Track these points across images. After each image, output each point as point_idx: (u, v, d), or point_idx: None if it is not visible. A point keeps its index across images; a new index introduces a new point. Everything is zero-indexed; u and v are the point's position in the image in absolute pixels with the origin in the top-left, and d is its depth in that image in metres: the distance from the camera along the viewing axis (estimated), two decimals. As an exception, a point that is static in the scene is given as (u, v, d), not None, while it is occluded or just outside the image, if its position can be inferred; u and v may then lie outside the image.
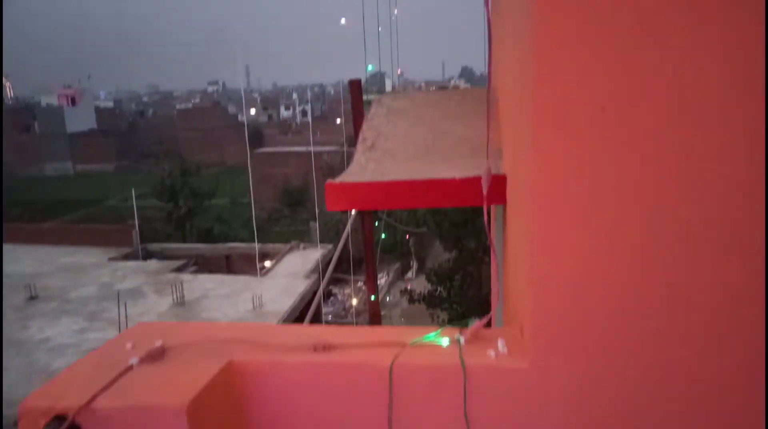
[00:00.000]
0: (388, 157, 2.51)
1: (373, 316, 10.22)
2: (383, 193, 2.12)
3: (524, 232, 1.24)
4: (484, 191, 1.47)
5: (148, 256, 25.44)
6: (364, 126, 2.79)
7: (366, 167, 2.44)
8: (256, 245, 21.43)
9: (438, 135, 2.62)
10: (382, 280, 30.60)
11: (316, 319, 19.74)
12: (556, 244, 1.16)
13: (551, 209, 1.14)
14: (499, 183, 2.02)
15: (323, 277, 9.89)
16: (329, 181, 2.18)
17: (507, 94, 2.44)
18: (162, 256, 25.42)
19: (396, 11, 8.85)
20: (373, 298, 8.36)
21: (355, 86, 9.73)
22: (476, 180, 2.06)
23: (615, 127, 1.05)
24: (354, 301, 25.16)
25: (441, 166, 2.30)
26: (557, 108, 1.05)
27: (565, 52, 1.02)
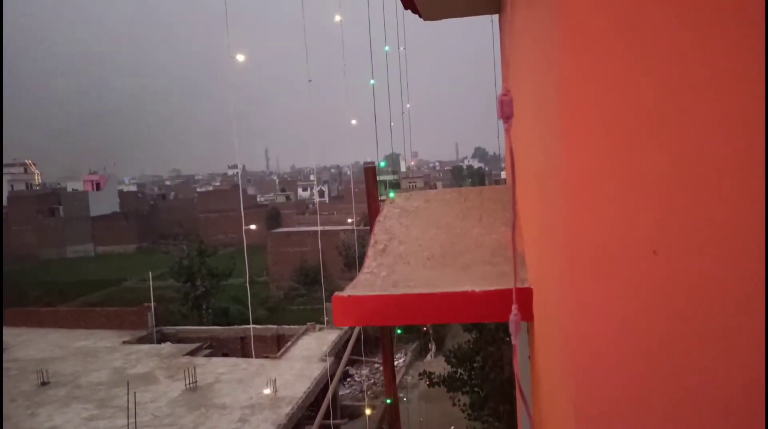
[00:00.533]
0: (401, 262, 2.38)
1: (391, 423, 9.76)
2: (395, 308, 1.97)
3: (559, 356, 1.07)
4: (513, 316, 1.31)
5: (162, 339, 25.16)
6: (376, 228, 2.69)
7: (377, 274, 2.31)
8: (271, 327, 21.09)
9: (454, 238, 2.50)
10: (400, 361, 29.75)
11: (333, 403, 19.04)
12: (604, 374, 0.99)
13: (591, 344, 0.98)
14: (524, 297, 1.87)
15: (340, 363, 9.55)
16: (336, 294, 2.05)
17: (528, 192, 2.32)
18: (176, 338, 25.11)
19: (408, 105, 9.09)
20: (389, 401, 7.92)
21: (369, 172, 9.81)
22: (498, 293, 1.91)
23: (665, 269, 0.91)
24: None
25: (458, 275, 2.16)
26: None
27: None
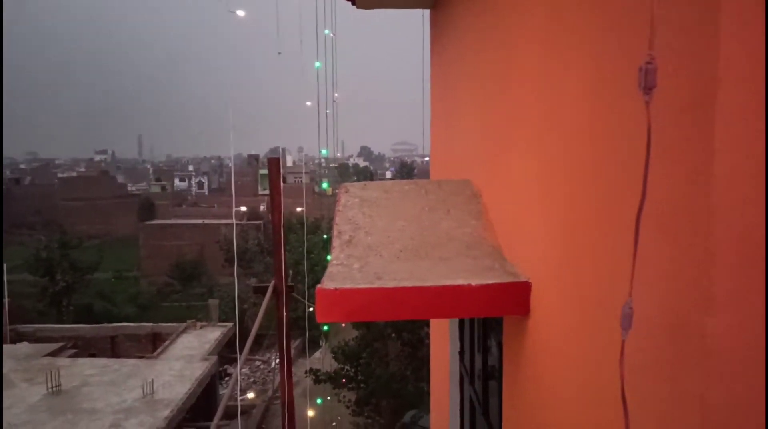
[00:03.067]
0: (373, 254, 2.25)
1: (289, 404, 9.49)
2: (387, 302, 1.84)
3: (657, 352, 1.00)
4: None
5: (17, 338, 22.66)
6: (337, 218, 2.52)
7: (350, 266, 2.16)
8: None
9: (423, 230, 2.40)
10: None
11: (213, 403, 18.22)
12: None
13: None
14: (519, 292, 1.82)
15: (239, 359, 9.10)
16: (320, 286, 1.88)
17: (527, 188, 2.29)
18: (34, 338, 22.75)
19: (309, 103, 8.85)
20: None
21: (273, 164, 9.45)
22: (495, 287, 1.85)
23: None
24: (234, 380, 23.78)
25: (440, 268, 2.07)
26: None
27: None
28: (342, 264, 2.20)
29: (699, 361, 0.86)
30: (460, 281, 1.86)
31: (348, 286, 1.87)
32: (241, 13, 6.62)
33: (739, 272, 0.83)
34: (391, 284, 1.88)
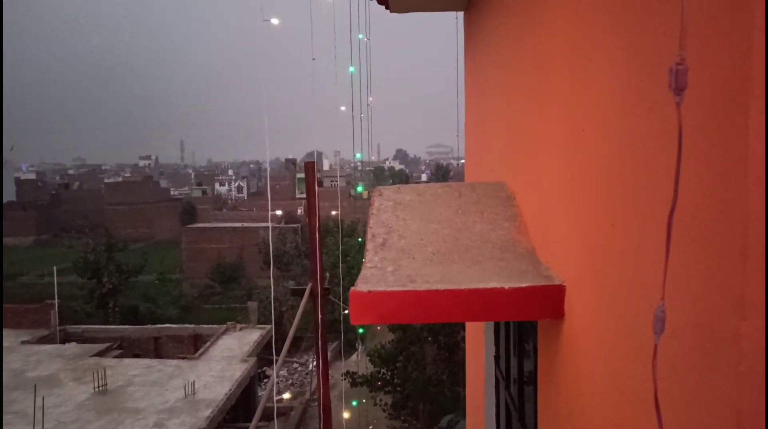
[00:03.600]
0: (406, 257, 2.26)
1: (325, 407, 9.57)
2: (420, 305, 1.85)
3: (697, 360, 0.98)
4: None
5: (66, 338, 23.48)
6: (371, 221, 2.55)
7: (384, 269, 2.18)
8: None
9: (456, 233, 2.41)
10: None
11: (252, 404, 18.50)
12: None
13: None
14: (553, 295, 1.81)
15: (276, 362, 9.23)
16: (354, 289, 1.90)
17: (553, 188, 2.27)
18: (82, 338, 23.53)
19: (343, 108, 8.92)
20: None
21: (309, 168, 9.56)
22: (528, 290, 1.84)
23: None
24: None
25: (472, 271, 2.07)
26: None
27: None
28: (375, 267, 2.21)
29: (732, 366, 0.84)
30: (493, 284, 1.85)
31: (381, 288, 1.88)
32: (275, 21, 6.74)
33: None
34: (423, 287, 1.88)
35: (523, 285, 1.83)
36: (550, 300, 1.80)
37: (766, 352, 0.80)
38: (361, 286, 1.95)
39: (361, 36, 7.42)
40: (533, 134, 2.31)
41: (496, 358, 3.85)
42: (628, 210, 1.24)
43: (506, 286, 1.83)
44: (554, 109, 1.96)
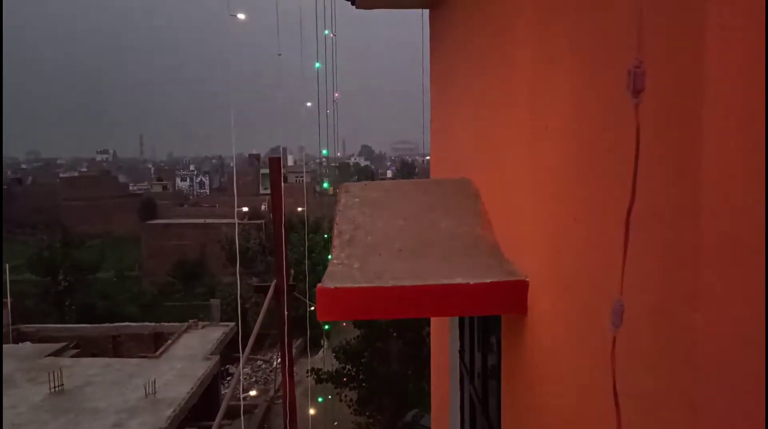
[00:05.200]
0: (373, 253, 2.27)
1: (290, 404, 9.54)
2: (386, 301, 1.87)
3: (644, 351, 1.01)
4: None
5: (19, 338, 22.73)
6: (338, 218, 2.55)
7: (351, 265, 2.19)
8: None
9: (423, 229, 2.43)
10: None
11: (215, 403, 18.25)
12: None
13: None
14: (517, 290, 1.85)
15: (242, 358, 9.14)
16: (320, 285, 1.90)
17: (520, 186, 2.31)
18: (37, 338, 22.81)
19: (309, 104, 8.87)
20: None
21: (274, 163, 9.49)
22: (492, 286, 1.87)
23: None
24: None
25: (439, 267, 2.09)
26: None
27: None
28: (342, 263, 2.22)
29: (686, 357, 0.88)
30: (458, 280, 1.88)
31: (348, 285, 1.89)
32: (242, 16, 6.65)
33: (725, 269, 0.85)
34: (390, 283, 1.90)
35: (487, 280, 1.86)
36: (514, 295, 1.84)
37: (720, 344, 0.84)
38: (328, 282, 1.96)
39: (327, 32, 7.39)
40: (498, 132, 2.35)
41: (461, 352, 3.90)
42: (590, 206, 1.28)
43: (471, 282, 1.86)
44: (518, 108, 2.00)
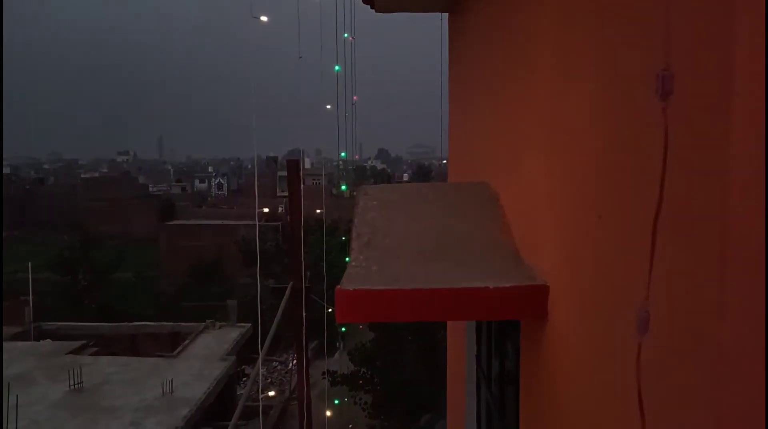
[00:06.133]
0: (391, 257, 2.27)
1: (306, 405, 9.56)
2: (406, 304, 1.86)
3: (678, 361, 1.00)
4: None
5: (41, 336, 23.09)
6: (356, 220, 2.55)
7: (368, 268, 2.19)
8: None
9: (441, 233, 2.42)
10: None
11: (231, 403, 18.36)
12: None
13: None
14: (537, 295, 1.83)
15: (259, 359, 9.18)
16: (339, 287, 1.91)
17: (538, 186, 2.30)
18: (57, 336, 23.15)
19: (329, 106, 8.91)
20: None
21: (292, 166, 9.55)
22: (513, 290, 1.86)
23: None
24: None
25: (457, 271, 2.08)
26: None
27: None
28: (361, 266, 2.22)
29: (711, 365, 0.87)
30: (477, 284, 1.87)
31: (367, 287, 1.89)
32: (264, 18, 6.71)
33: (752, 277, 0.83)
34: (409, 286, 1.90)
35: (507, 285, 1.85)
36: (533, 300, 1.83)
37: (746, 353, 0.83)
38: (347, 284, 1.96)
39: (346, 35, 7.42)
40: (518, 135, 2.34)
41: (478, 357, 3.88)
42: (614, 211, 1.27)
43: (490, 286, 1.85)
44: (539, 111, 1.98)
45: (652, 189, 0.95)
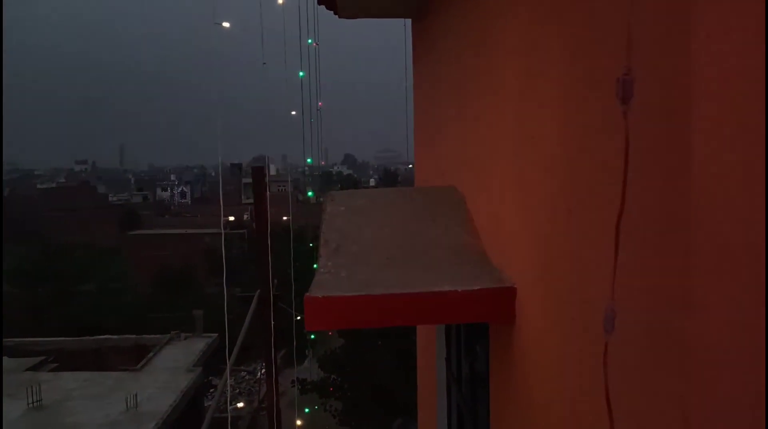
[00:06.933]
0: (360, 263, 2.26)
1: (276, 414, 9.43)
2: (375, 309, 1.86)
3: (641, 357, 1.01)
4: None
5: (-2, 353, 22.24)
6: (324, 226, 2.54)
7: (338, 274, 2.17)
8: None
9: (409, 238, 2.42)
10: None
11: (198, 415, 18.00)
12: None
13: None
14: (505, 297, 1.85)
15: (227, 370, 9.03)
16: (308, 294, 1.89)
17: (507, 193, 2.32)
18: (15, 352, 22.33)
19: (294, 113, 8.88)
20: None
21: (258, 173, 9.45)
22: (480, 293, 1.87)
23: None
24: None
25: (427, 275, 2.09)
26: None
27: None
28: (329, 272, 2.21)
29: (678, 363, 0.89)
30: (446, 287, 1.88)
31: (336, 293, 1.88)
32: (226, 24, 6.64)
33: (716, 275, 0.85)
34: (378, 291, 1.89)
35: (474, 287, 1.86)
36: (502, 302, 1.85)
37: (713, 349, 0.85)
38: (316, 291, 1.95)
39: (310, 41, 7.39)
40: (484, 139, 2.36)
41: (447, 360, 3.89)
42: (578, 213, 1.29)
43: (459, 289, 1.86)
44: (505, 115, 2.01)
45: (615, 190, 0.97)
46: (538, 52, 1.59)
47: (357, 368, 20.41)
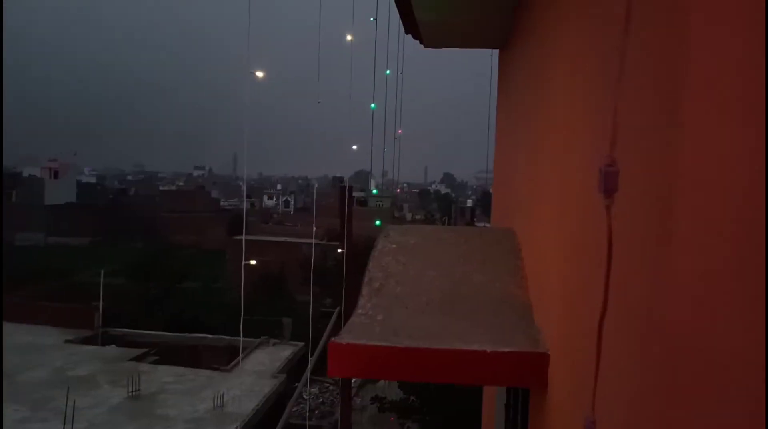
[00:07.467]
0: (399, 306, 2.21)
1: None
2: (397, 362, 1.80)
3: None
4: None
5: (108, 340, 24.16)
6: (371, 264, 2.51)
7: (373, 317, 2.14)
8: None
9: (453, 282, 2.34)
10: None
11: (279, 421, 18.48)
12: None
13: None
14: (537, 363, 1.72)
15: (301, 380, 9.24)
16: (333, 340, 1.86)
17: (548, 242, 2.19)
18: (123, 342, 24.15)
19: (400, 131, 9.09)
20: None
21: (342, 191, 9.64)
22: (511, 356, 1.76)
23: None
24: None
25: (461, 326, 2.00)
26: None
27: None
28: (366, 314, 2.18)
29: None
30: (476, 346, 1.78)
31: (362, 341, 1.84)
32: (260, 74, 7.02)
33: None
34: (405, 343, 1.83)
35: (506, 350, 1.75)
36: (533, 368, 1.72)
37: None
38: (345, 335, 1.92)
39: (388, 72, 7.54)
40: (534, 181, 2.24)
41: (507, 407, 3.71)
42: (590, 286, 1.17)
43: (488, 350, 1.76)
44: (551, 160, 1.89)
45: (600, 287, 0.86)
46: (577, 102, 1.48)
47: (433, 393, 20.09)
